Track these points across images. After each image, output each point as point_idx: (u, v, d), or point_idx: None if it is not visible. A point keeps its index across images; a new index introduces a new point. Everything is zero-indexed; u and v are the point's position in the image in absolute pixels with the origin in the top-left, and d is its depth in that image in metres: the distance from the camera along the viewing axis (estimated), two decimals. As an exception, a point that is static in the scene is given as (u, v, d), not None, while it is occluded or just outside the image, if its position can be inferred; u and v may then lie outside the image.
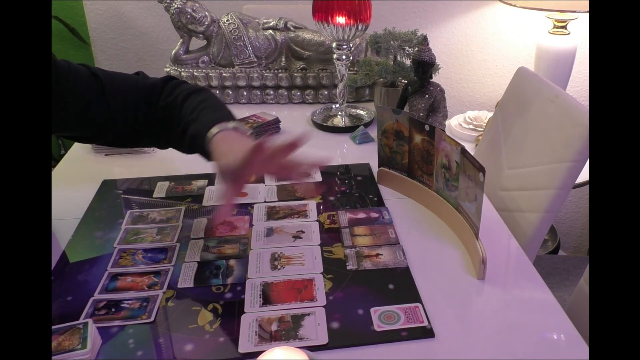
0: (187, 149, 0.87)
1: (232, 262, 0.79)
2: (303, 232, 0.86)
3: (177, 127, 0.85)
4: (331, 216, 0.90)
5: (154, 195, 0.98)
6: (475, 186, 0.75)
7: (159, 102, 0.87)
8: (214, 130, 0.78)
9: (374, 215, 0.91)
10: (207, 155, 0.80)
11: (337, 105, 1.29)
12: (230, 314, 0.69)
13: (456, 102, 1.96)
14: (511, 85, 1.23)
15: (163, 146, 0.94)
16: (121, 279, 0.76)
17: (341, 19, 1.11)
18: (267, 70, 1.39)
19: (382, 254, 0.80)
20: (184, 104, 0.85)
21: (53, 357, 0.60)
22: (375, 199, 0.96)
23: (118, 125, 0.86)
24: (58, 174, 1.08)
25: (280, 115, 1.26)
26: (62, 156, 1.35)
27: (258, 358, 0.52)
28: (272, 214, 0.91)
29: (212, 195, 0.98)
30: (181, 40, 1.38)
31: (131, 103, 0.86)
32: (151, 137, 0.91)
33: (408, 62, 1.29)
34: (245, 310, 0.70)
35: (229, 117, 0.83)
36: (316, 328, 0.67)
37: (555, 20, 1.65)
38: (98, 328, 0.66)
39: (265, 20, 1.40)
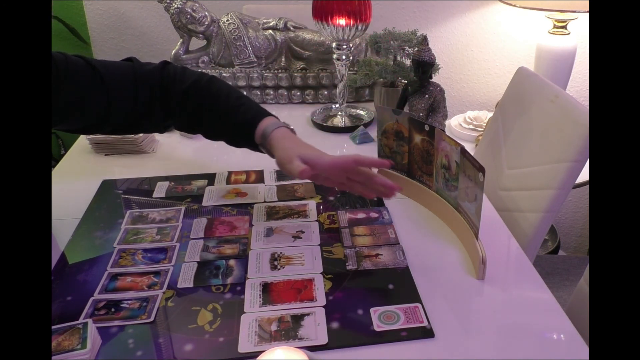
0: (224, 134, 0.92)
1: (231, 262, 0.79)
2: (303, 232, 0.86)
3: (209, 115, 0.90)
4: (331, 216, 0.90)
5: (154, 195, 0.98)
6: (475, 186, 0.75)
7: (173, 88, 0.89)
8: (268, 127, 0.85)
9: (374, 215, 0.91)
10: (248, 142, 0.89)
11: (337, 105, 1.29)
12: (230, 314, 0.69)
13: (456, 102, 1.96)
14: (511, 85, 1.23)
15: (163, 130, 0.95)
16: (121, 279, 0.76)
17: (341, 19, 1.11)
18: (267, 70, 1.39)
19: (381, 254, 0.80)
20: (211, 91, 0.90)
21: (53, 357, 0.60)
22: (375, 199, 0.96)
23: (118, 113, 0.87)
24: (58, 174, 1.08)
25: (280, 116, 1.24)
26: (62, 156, 1.35)
27: (258, 358, 0.52)
28: (272, 214, 0.91)
29: (212, 195, 0.98)
30: (181, 40, 1.38)
31: (129, 91, 0.87)
32: (154, 122, 0.92)
33: (408, 62, 1.29)
34: (245, 310, 0.70)
35: (268, 113, 0.90)
36: (316, 328, 0.67)
37: (555, 20, 1.65)
38: (98, 328, 0.66)
39: (265, 20, 1.40)
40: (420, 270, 0.77)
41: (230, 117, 0.89)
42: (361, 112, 1.31)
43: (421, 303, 0.71)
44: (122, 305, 0.71)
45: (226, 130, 0.91)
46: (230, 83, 1.37)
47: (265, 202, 0.95)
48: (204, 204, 0.95)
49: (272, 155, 0.86)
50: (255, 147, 0.90)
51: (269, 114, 0.89)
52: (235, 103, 0.89)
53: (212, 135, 0.94)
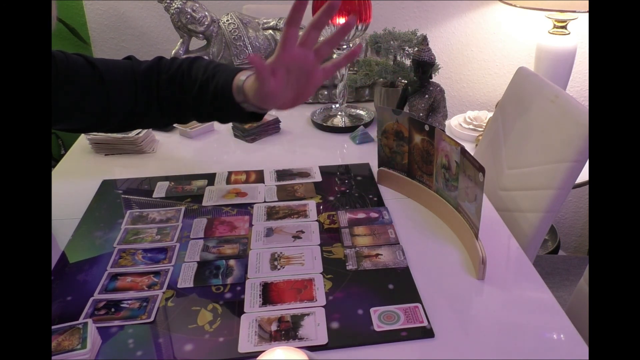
0: (208, 107, 0.85)
1: (231, 262, 0.79)
2: (303, 232, 0.86)
3: (189, 92, 0.85)
4: (331, 216, 0.90)
5: (154, 195, 0.98)
6: (475, 186, 0.75)
7: (160, 79, 0.87)
8: (242, 77, 0.79)
9: (374, 215, 0.91)
10: (231, 106, 0.81)
11: (337, 105, 1.29)
12: (230, 314, 0.69)
13: (456, 102, 1.96)
14: (511, 85, 1.23)
15: (162, 127, 0.95)
16: (121, 279, 0.76)
17: (341, 19, 1.11)
18: (267, 70, 1.38)
19: (381, 254, 0.80)
20: (191, 70, 0.86)
21: (53, 357, 0.60)
22: (375, 199, 0.96)
23: (118, 112, 0.87)
24: (58, 174, 1.08)
25: (280, 115, 1.26)
26: (62, 156, 1.35)
27: (258, 358, 0.52)
28: (272, 214, 0.91)
29: (212, 195, 0.98)
30: (181, 40, 1.38)
31: (129, 89, 0.86)
32: (152, 119, 0.91)
33: (408, 62, 1.29)
34: (245, 310, 0.70)
35: (241, 70, 0.84)
36: (316, 328, 0.67)
37: (555, 20, 1.65)
38: (98, 328, 0.66)
39: (265, 20, 1.40)
40: (420, 270, 0.77)
41: (207, 92, 0.83)
42: (361, 112, 1.31)
43: (421, 303, 0.71)
44: (122, 305, 0.71)
45: (210, 108, 0.85)
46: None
47: (265, 202, 0.95)
48: (204, 204, 0.95)
49: (254, 104, 0.80)
50: (240, 111, 0.82)
51: (241, 70, 0.82)
52: (209, 74, 0.83)
53: (203, 118, 0.91)
